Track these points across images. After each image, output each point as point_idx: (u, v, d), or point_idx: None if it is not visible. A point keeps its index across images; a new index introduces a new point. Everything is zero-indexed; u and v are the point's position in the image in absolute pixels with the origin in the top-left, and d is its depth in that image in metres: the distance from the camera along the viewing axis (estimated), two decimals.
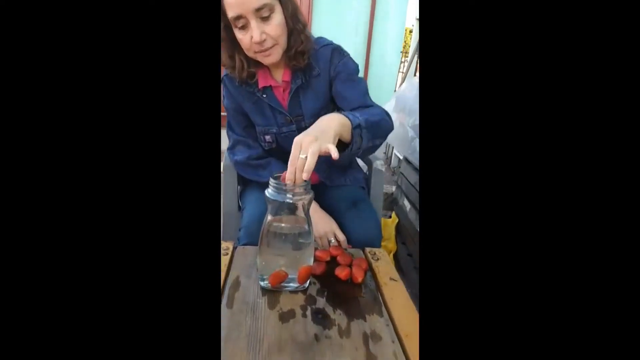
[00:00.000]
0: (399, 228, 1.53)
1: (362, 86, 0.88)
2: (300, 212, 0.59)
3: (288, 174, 0.58)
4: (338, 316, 0.56)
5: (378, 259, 0.73)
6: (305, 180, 0.58)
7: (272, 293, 0.60)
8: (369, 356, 0.49)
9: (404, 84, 1.81)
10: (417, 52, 1.94)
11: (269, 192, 0.57)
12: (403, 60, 2.69)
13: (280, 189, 0.56)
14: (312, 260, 0.63)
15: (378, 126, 0.76)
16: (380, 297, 0.62)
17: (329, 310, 0.57)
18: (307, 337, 0.51)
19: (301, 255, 0.61)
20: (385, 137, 0.81)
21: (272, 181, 0.57)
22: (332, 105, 0.90)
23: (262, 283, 0.61)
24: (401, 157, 1.62)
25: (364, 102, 0.85)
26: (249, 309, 0.56)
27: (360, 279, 0.64)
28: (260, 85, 0.86)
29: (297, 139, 0.60)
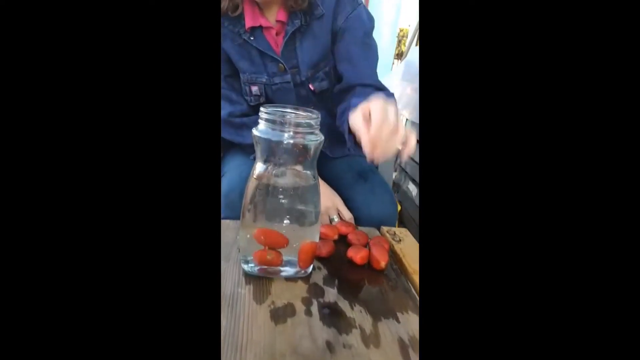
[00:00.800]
0: (401, 217, 1.37)
1: (374, 54, 0.74)
2: (301, 167, 0.41)
3: (371, 146, 0.44)
4: (358, 314, 0.38)
5: (400, 240, 0.55)
6: (309, 120, 0.39)
7: (260, 281, 0.42)
8: None
9: (411, 53, 1.65)
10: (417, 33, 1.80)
11: (258, 129, 0.39)
12: (398, 48, 2.55)
13: (276, 122, 0.38)
14: (317, 236, 0.45)
15: None
16: (413, 289, 0.44)
17: (344, 305, 0.39)
18: (315, 346, 0.33)
19: (304, 229, 0.42)
20: None
21: (263, 110, 0.38)
22: (332, 57, 0.72)
23: (245, 267, 0.43)
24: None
25: (375, 81, 0.70)
26: (226, 303, 0.37)
27: (383, 263, 0.46)
28: (248, 24, 0.68)
29: (378, 104, 0.45)
